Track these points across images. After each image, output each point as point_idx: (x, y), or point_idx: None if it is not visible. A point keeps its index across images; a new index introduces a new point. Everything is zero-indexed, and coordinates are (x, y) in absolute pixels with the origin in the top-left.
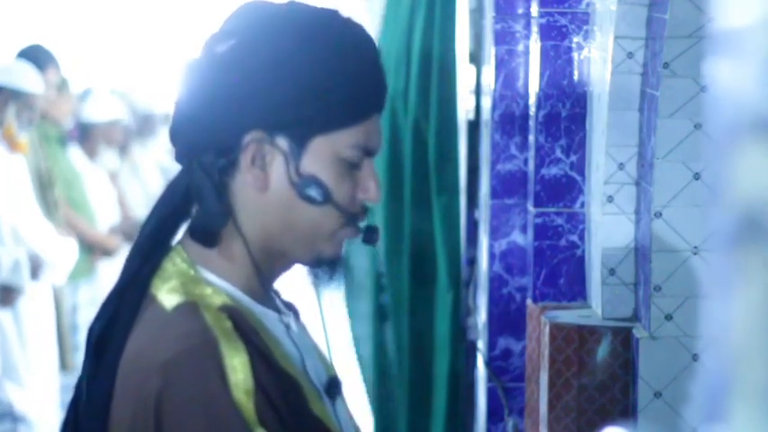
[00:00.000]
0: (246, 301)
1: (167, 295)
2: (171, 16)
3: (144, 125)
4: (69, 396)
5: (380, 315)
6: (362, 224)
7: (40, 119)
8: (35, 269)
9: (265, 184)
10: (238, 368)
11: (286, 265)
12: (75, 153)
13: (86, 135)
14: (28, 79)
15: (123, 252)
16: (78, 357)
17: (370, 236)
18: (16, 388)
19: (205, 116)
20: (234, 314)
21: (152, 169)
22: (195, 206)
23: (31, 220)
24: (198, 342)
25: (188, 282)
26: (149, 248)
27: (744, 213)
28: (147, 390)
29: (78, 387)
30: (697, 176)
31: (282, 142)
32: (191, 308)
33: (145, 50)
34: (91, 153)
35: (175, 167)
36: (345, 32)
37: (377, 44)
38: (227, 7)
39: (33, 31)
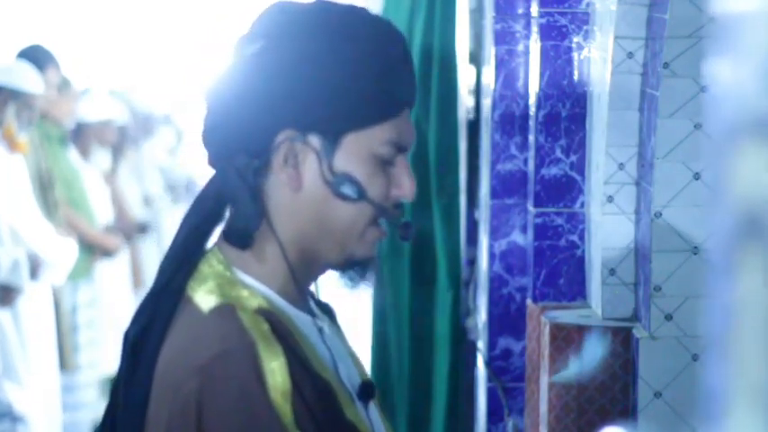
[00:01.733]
0: (281, 303)
1: (204, 297)
2: (171, 16)
3: (143, 125)
4: (70, 396)
5: (380, 315)
6: (400, 221)
7: (42, 119)
8: (34, 269)
9: (299, 184)
10: (276, 371)
11: (319, 269)
12: (72, 153)
13: (79, 134)
14: (27, 79)
15: (123, 252)
16: (78, 357)
17: (405, 231)
18: (15, 388)
19: (236, 118)
20: (270, 317)
21: (151, 169)
22: (229, 209)
23: (31, 220)
24: (235, 345)
25: (224, 283)
26: (184, 252)
27: (744, 213)
28: (185, 392)
29: (114, 391)
30: (697, 176)
31: (314, 140)
32: (227, 310)
33: (144, 51)
34: (84, 152)
35: (173, 167)
36: (374, 29)
37: (406, 41)
38: (227, 7)
39: (33, 31)
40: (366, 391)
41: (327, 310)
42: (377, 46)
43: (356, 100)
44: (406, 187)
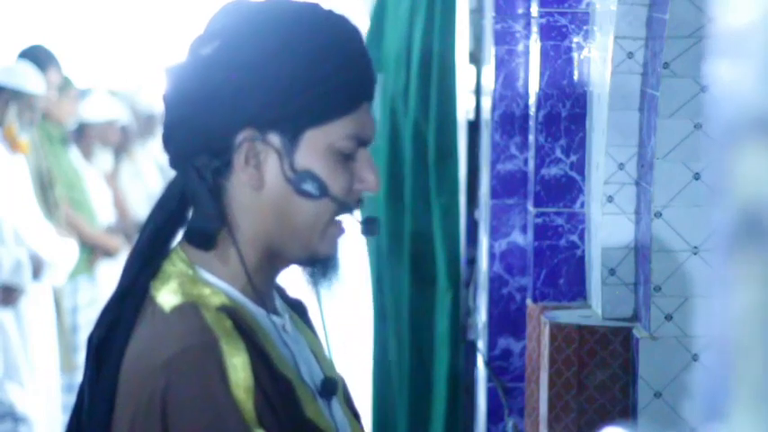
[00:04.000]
0: (244, 302)
1: (166, 296)
2: (172, 17)
3: (144, 125)
4: (71, 396)
5: (380, 315)
6: (360, 216)
7: (43, 119)
8: (36, 269)
9: (260, 183)
10: (239, 367)
11: (283, 265)
12: (72, 153)
13: (82, 135)
14: (29, 80)
15: (124, 252)
16: (78, 357)
17: (369, 227)
18: (18, 388)
19: (195, 119)
20: (233, 314)
21: (152, 169)
22: (191, 210)
23: (32, 220)
24: (198, 341)
25: (186, 282)
26: (148, 253)
27: (744, 213)
28: (150, 388)
29: (80, 395)
30: (697, 176)
31: (274, 139)
32: (189, 307)
33: (146, 51)
34: (86, 153)
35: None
36: (328, 24)
37: (362, 35)
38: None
39: (34, 32)
40: (327, 387)
41: (298, 307)
42: (332, 41)
43: (314, 96)
44: (369, 181)
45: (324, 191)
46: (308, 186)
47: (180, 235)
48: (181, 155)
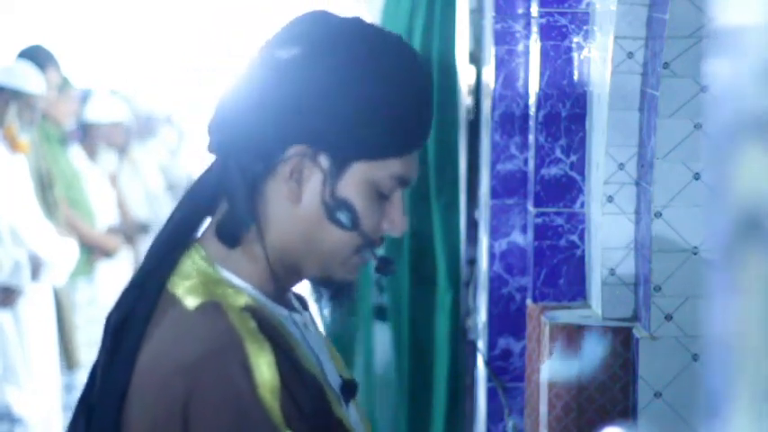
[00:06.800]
0: (266, 301)
1: (188, 295)
2: (172, 18)
3: (144, 126)
4: (74, 396)
5: (379, 315)
6: (377, 252)
7: (42, 119)
8: (35, 270)
9: (298, 199)
10: (264, 367)
11: (298, 279)
12: (76, 153)
13: (87, 135)
14: (29, 80)
15: (123, 253)
16: (79, 356)
17: (384, 266)
18: (15, 389)
19: (253, 118)
20: (256, 314)
21: (152, 170)
22: (223, 204)
23: (32, 220)
24: (223, 344)
25: (208, 281)
26: (172, 242)
27: (744, 213)
28: (170, 393)
29: (92, 374)
30: (697, 176)
31: (324, 161)
32: (214, 308)
33: (146, 52)
34: (91, 153)
35: (175, 167)
36: (407, 63)
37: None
38: (229, 9)
39: (34, 32)
40: (347, 389)
41: (302, 301)
42: (406, 80)
43: (375, 130)
44: (397, 224)
45: (356, 224)
46: (342, 216)
47: (202, 229)
48: (226, 145)
